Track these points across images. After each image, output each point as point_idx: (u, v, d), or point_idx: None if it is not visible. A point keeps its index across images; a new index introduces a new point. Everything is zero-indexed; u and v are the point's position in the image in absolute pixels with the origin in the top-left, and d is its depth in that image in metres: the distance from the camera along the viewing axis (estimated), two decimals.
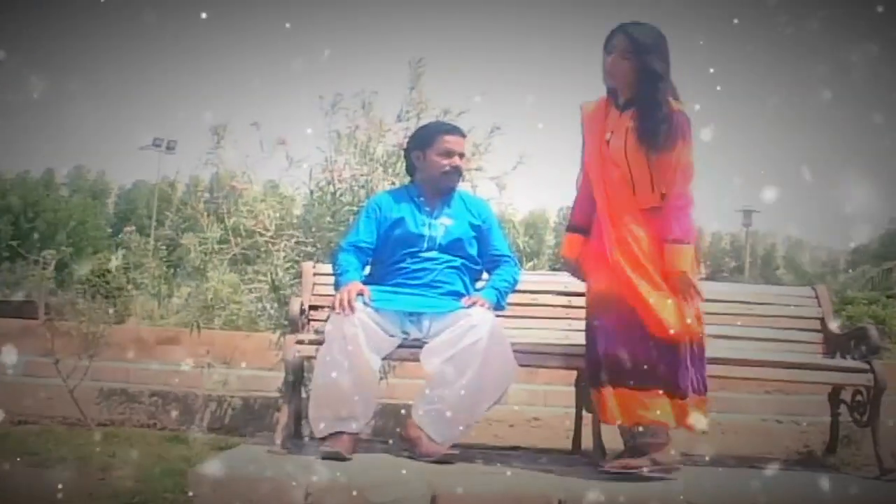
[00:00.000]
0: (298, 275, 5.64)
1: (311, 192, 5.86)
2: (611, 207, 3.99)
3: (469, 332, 4.18)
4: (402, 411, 5.70)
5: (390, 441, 4.70)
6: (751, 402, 6.49)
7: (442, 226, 4.63)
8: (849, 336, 4.64)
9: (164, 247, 16.57)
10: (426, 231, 4.60)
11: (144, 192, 62.03)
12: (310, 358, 4.38)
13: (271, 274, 5.78)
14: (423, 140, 4.72)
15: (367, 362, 4.18)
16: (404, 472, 3.75)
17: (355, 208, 5.65)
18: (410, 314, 4.42)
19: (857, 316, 11.62)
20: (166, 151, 54.98)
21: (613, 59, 4.02)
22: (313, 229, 5.86)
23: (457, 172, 4.70)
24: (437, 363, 4.21)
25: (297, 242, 5.84)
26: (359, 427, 4.23)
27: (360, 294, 4.27)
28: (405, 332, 4.40)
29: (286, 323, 5.58)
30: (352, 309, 4.16)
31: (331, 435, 4.14)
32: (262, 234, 5.84)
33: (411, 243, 4.57)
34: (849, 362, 4.44)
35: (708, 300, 4.84)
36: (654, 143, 3.90)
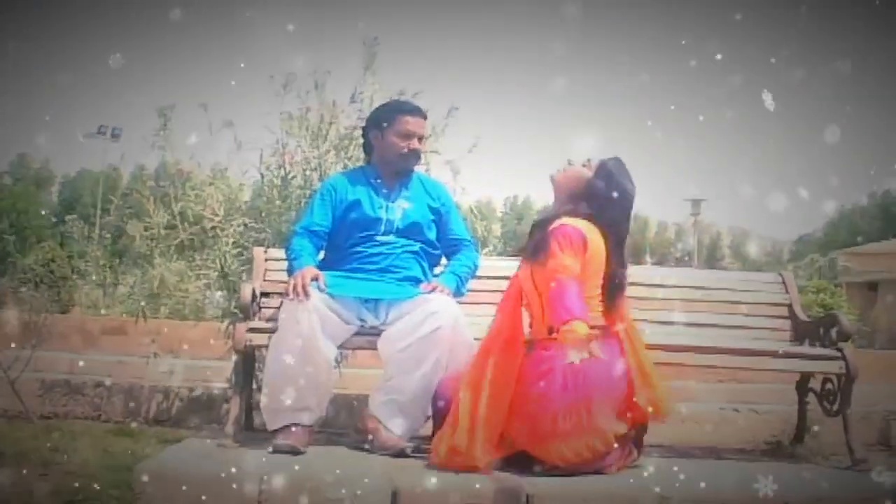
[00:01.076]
0: (247, 261, 5.49)
1: (262, 176, 5.67)
2: None
3: (428, 319, 4.03)
4: (355, 403, 5.55)
5: (346, 433, 4.54)
6: (703, 391, 6.44)
7: (399, 209, 4.49)
8: (818, 323, 4.54)
9: (108, 235, 16.37)
10: (383, 214, 4.45)
11: (89, 180, 61.29)
12: (261, 347, 4.22)
13: (220, 260, 5.59)
14: (381, 119, 4.56)
15: (321, 351, 4.01)
16: (362, 466, 3.61)
17: (307, 192, 5.49)
18: (367, 301, 4.28)
19: (807, 304, 11.67)
20: (111, 139, 54.26)
21: None
22: (263, 214, 5.67)
23: (415, 155, 4.57)
24: (394, 352, 4.07)
25: (246, 228, 5.64)
26: (313, 419, 4.08)
27: (315, 279, 4.09)
28: (362, 320, 4.25)
29: (235, 311, 5.44)
30: (306, 295, 3.98)
31: (284, 427, 3.99)
32: (210, 220, 5.63)
33: (368, 227, 4.42)
34: (819, 350, 4.35)
35: (673, 286, 4.79)
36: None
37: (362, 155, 5.55)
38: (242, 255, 5.62)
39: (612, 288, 3.86)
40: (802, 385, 4.72)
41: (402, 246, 4.41)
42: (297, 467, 3.50)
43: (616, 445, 3.64)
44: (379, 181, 4.54)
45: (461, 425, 3.66)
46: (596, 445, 3.56)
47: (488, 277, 4.72)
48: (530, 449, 3.62)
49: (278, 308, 4.22)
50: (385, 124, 4.52)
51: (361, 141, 4.90)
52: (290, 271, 4.30)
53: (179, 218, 5.70)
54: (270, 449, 3.84)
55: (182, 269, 6.10)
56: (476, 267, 4.62)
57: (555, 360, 3.55)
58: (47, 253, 13.91)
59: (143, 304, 6.41)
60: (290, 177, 5.61)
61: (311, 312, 3.97)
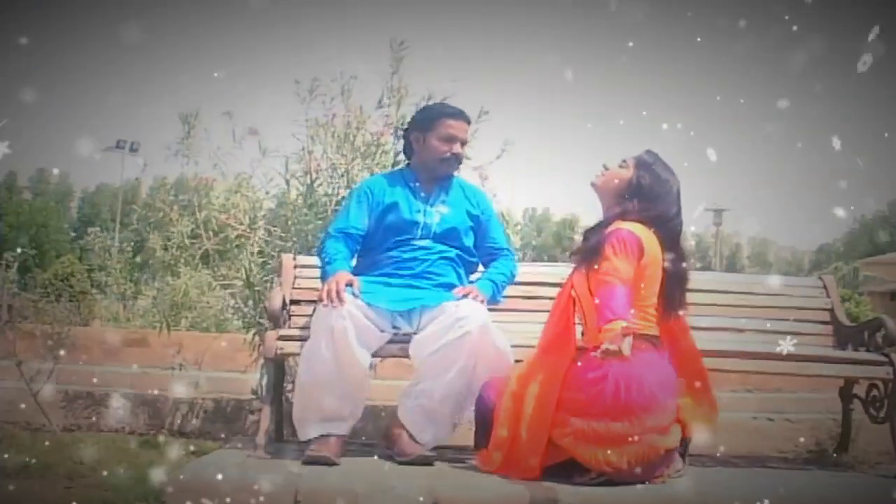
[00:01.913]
0: (273, 270, 5.41)
1: (287, 183, 5.59)
2: None
3: (457, 323, 3.90)
4: (383, 413, 5.46)
5: (374, 444, 4.44)
6: (733, 400, 6.32)
7: (437, 213, 4.36)
8: (862, 327, 4.43)
9: (128, 248, 16.39)
10: (420, 218, 4.32)
11: (108, 194, 61.61)
12: (292, 355, 4.13)
13: (245, 269, 5.51)
14: (424, 122, 4.43)
15: (356, 358, 3.90)
16: (398, 476, 3.49)
17: (333, 200, 5.41)
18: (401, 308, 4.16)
19: None
20: (130, 153, 54.46)
21: None
22: (289, 223, 5.59)
23: (457, 160, 4.44)
24: (424, 356, 3.96)
25: (271, 236, 5.56)
26: (346, 428, 3.98)
27: (349, 285, 3.98)
28: (396, 327, 4.13)
29: (261, 321, 5.37)
30: (341, 301, 3.86)
31: (316, 438, 3.89)
32: (234, 229, 5.55)
33: (404, 230, 4.30)
34: (866, 354, 4.24)
35: (712, 291, 4.67)
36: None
37: (389, 162, 5.49)
38: (268, 264, 5.54)
39: (673, 287, 3.78)
40: (846, 391, 4.60)
41: (439, 252, 4.30)
42: (330, 478, 3.41)
43: (663, 455, 3.55)
44: (417, 185, 4.41)
45: (502, 432, 3.61)
46: (645, 453, 3.47)
47: (526, 283, 4.66)
48: (577, 454, 3.53)
49: (308, 316, 4.14)
50: (427, 127, 4.39)
51: (387, 147, 4.82)
52: (323, 276, 4.18)
53: (203, 227, 5.62)
54: (303, 460, 3.72)
55: (205, 280, 6.04)
56: (513, 276, 4.50)
57: (608, 366, 3.45)
58: (67, 267, 13.95)
59: (166, 314, 6.34)
60: (315, 184, 5.53)
61: (345, 319, 3.85)
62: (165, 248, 5.75)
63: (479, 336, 3.89)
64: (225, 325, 8.96)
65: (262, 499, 3.18)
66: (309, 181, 5.55)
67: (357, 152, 5.51)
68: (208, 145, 5.65)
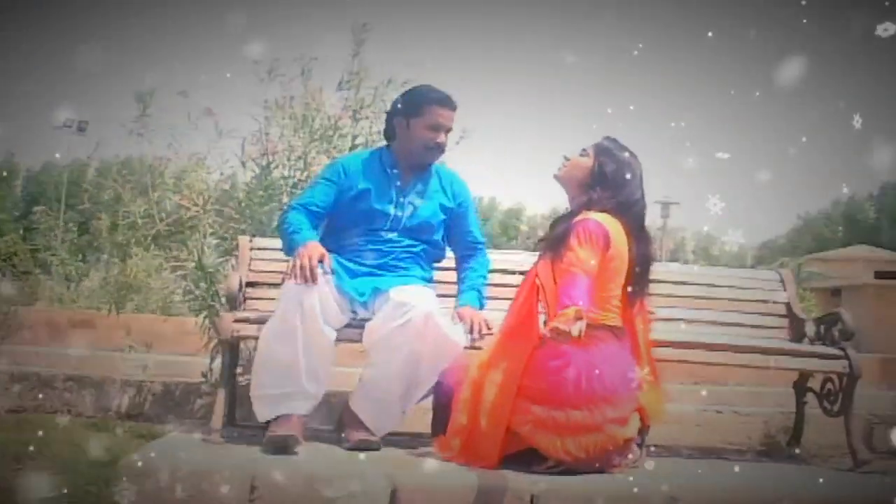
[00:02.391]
0: (226, 252, 5.34)
1: (243, 165, 5.50)
2: None
3: (399, 309, 3.82)
4: (333, 399, 5.41)
5: (327, 431, 4.38)
6: (681, 393, 6.35)
7: (410, 206, 4.21)
8: (818, 322, 4.44)
9: (74, 227, 16.14)
10: (392, 210, 4.18)
11: (54, 174, 60.68)
12: (248, 338, 4.07)
13: (198, 251, 5.41)
14: (411, 107, 4.22)
15: (324, 334, 3.82)
16: (358, 463, 3.45)
17: (290, 181, 5.33)
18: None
19: None
20: (77, 132, 53.63)
21: None
22: (243, 205, 5.50)
23: (440, 149, 4.25)
24: (371, 343, 3.90)
25: (225, 217, 5.47)
26: (309, 407, 3.87)
27: (321, 261, 3.84)
28: (353, 312, 4.06)
29: (212, 304, 5.29)
30: (314, 279, 3.74)
31: (276, 419, 3.77)
32: (187, 210, 5.46)
33: (373, 221, 4.17)
34: (822, 348, 4.24)
35: (669, 282, 4.66)
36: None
37: (346, 146, 5.41)
38: (221, 246, 5.46)
39: (638, 272, 3.76)
40: (801, 385, 4.62)
41: (405, 247, 4.18)
42: (287, 464, 3.34)
43: (622, 444, 3.55)
44: (395, 171, 4.23)
45: (461, 419, 3.59)
46: (603, 443, 3.47)
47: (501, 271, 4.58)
48: (536, 443, 3.51)
49: (265, 299, 4.07)
50: (414, 112, 4.19)
51: (345, 132, 4.75)
52: (290, 246, 3.99)
53: (157, 207, 5.52)
54: (265, 441, 3.63)
55: (156, 261, 5.95)
56: (489, 272, 4.41)
57: (570, 355, 3.43)
58: (10, 247, 13.71)
59: (115, 296, 6.24)
60: (272, 166, 5.45)
61: (315, 296, 3.75)
62: (115, 228, 5.65)
63: (422, 323, 3.81)
64: (171, 308, 8.86)
65: (220, 484, 3.12)
66: (265, 163, 5.47)
67: (315, 135, 5.43)
68: (163, 124, 5.56)
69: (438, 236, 4.31)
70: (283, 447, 3.59)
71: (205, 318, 5.46)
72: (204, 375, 5.45)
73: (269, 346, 3.82)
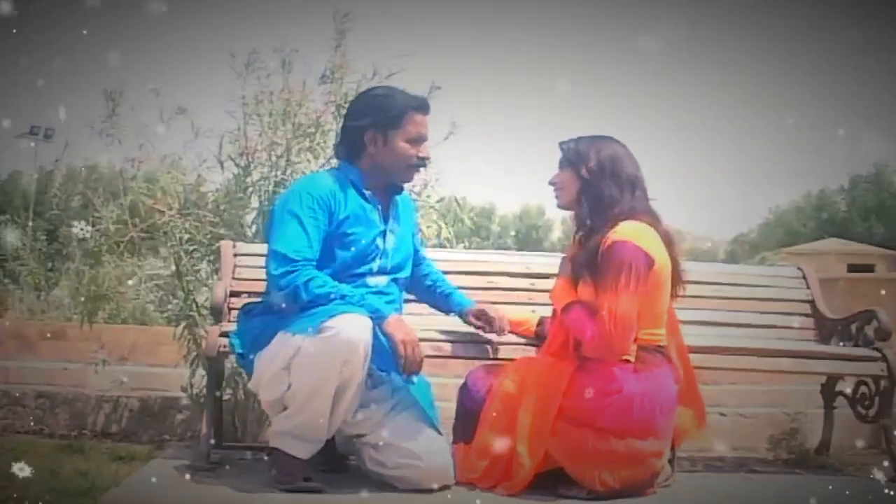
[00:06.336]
0: (203, 257, 5.03)
1: (221, 165, 5.18)
2: None
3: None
4: None
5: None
6: None
7: (391, 235, 3.64)
8: (849, 320, 4.17)
9: (43, 236, 15.82)
10: (380, 243, 3.58)
11: (20, 183, 60.09)
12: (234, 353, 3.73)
13: (175, 258, 5.10)
14: (386, 117, 3.54)
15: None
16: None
17: (271, 182, 5.02)
18: None
19: None
20: (44, 140, 53.04)
21: None
22: (222, 207, 5.19)
23: (423, 164, 3.69)
24: None
25: (203, 222, 5.15)
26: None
27: None
28: None
29: (190, 314, 5.00)
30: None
31: (289, 458, 3.33)
32: (162, 213, 5.13)
33: (362, 260, 3.54)
34: (856, 350, 4.00)
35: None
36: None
37: (330, 143, 5.08)
38: (198, 251, 5.15)
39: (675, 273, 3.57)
40: (829, 388, 4.36)
41: (388, 295, 3.59)
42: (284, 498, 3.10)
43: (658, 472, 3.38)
44: (370, 194, 3.61)
45: (494, 442, 3.33)
46: (641, 475, 3.30)
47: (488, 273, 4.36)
48: (570, 469, 3.28)
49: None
50: (391, 124, 3.53)
51: (327, 128, 4.43)
52: (326, 311, 3.26)
53: (130, 212, 5.19)
54: (290, 488, 3.25)
55: (130, 269, 5.63)
56: None
57: (623, 381, 3.25)
58: None
59: (86, 306, 5.91)
60: (251, 166, 5.13)
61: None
62: (87, 236, 5.33)
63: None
64: (144, 318, 8.57)
65: None
66: (244, 163, 5.15)
67: (297, 132, 5.11)
68: (134, 124, 5.23)
69: (409, 270, 3.79)
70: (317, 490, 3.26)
71: (183, 328, 5.14)
72: (183, 389, 5.15)
73: (316, 380, 3.26)
